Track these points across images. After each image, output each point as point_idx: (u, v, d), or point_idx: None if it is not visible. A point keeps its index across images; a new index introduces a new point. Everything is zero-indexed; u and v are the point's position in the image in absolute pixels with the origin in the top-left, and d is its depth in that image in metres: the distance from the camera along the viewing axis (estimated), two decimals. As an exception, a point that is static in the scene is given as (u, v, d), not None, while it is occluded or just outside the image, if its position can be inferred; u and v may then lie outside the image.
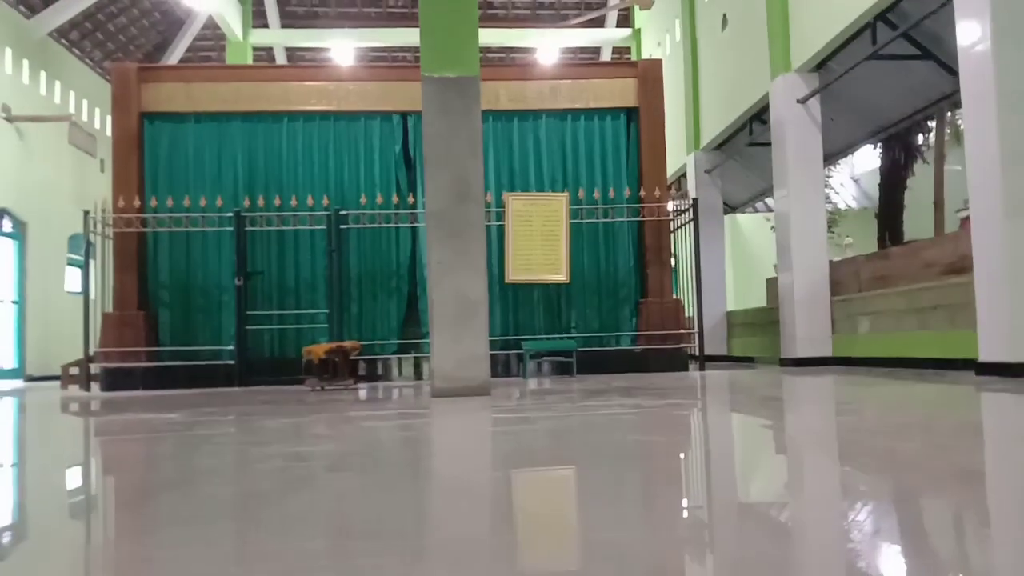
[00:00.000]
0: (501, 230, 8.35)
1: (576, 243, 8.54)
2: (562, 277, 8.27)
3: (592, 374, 8.02)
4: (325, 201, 8.36)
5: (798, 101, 8.85)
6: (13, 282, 13.68)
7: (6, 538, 1.77)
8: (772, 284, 10.56)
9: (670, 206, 9.24)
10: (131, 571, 1.39)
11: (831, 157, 11.53)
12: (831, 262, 9.07)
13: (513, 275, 8.28)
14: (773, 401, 4.69)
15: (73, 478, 2.74)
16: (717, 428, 3.63)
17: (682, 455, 2.79)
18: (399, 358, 8.56)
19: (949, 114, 11.96)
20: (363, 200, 8.39)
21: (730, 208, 14.97)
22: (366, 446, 3.11)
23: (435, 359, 5.23)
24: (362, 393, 6.49)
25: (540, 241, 8.34)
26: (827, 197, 12.36)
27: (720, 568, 1.31)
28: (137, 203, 8.22)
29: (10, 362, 13.43)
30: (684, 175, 13.20)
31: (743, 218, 17.67)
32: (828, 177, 14.47)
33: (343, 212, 8.34)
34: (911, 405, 4.26)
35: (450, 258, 5.25)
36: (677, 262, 9.63)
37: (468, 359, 5.20)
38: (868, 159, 16.49)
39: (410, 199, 8.52)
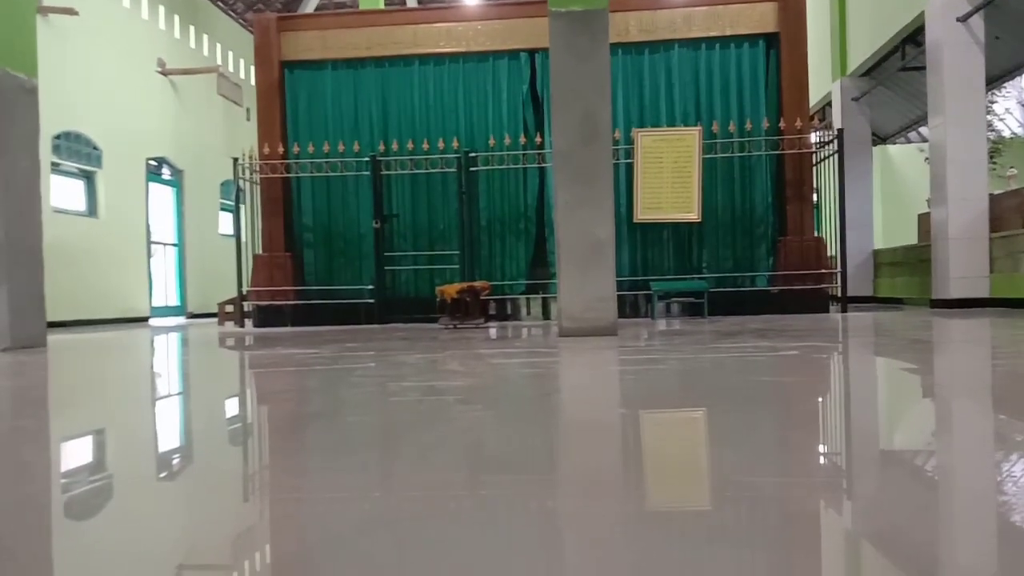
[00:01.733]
0: (630, 168, 8.19)
1: (710, 179, 8.25)
2: (694, 215, 8.05)
3: (725, 316, 7.83)
4: (455, 144, 8.47)
5: (958, 19, 8.06)
6: (173, 226, 14.82)
7: (176, 459, 1.96)
8: (924, 220, 9.85)
9: (812, 138, 8.73)
10: (283, 493, 1.51)
11: (996, 80, 10.50)
12: (992, 195, 8.34)
13: (642, 214, 8.13)
14: (920, 344, 4.43)
15: (232, 407, 2.99)
16: (858, 373, 3.47)
17: (820, 399, 2.70)
18: (527, 298, 8.66)
19: None
20: (491, 142, 8.44)
21: (879, 139, 14.00)
22: (496, 381, 3.19)
23: (562, 299, 5.26)
24: (492, 331, 6.65)
25: (671, 178, 8.12)
26: (990, 124, 11.32)
27: (854, 514, 1.27)
28: (281, 150, 8.64)
29: (173, 300, 14.65)
30: (828, 104, 12.42)
31: (894, 150, 16.47)
32: (991, 103, 13.21)
33: (472, 154, 8.43)
34: (1081, 351, 3.90)
35: (577, 198, 5.21)
36: (820, 198, 9.15)
37: (595, 300, 5.19)
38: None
39: (538, 139, 8.50)
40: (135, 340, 7.62)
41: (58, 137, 11.19)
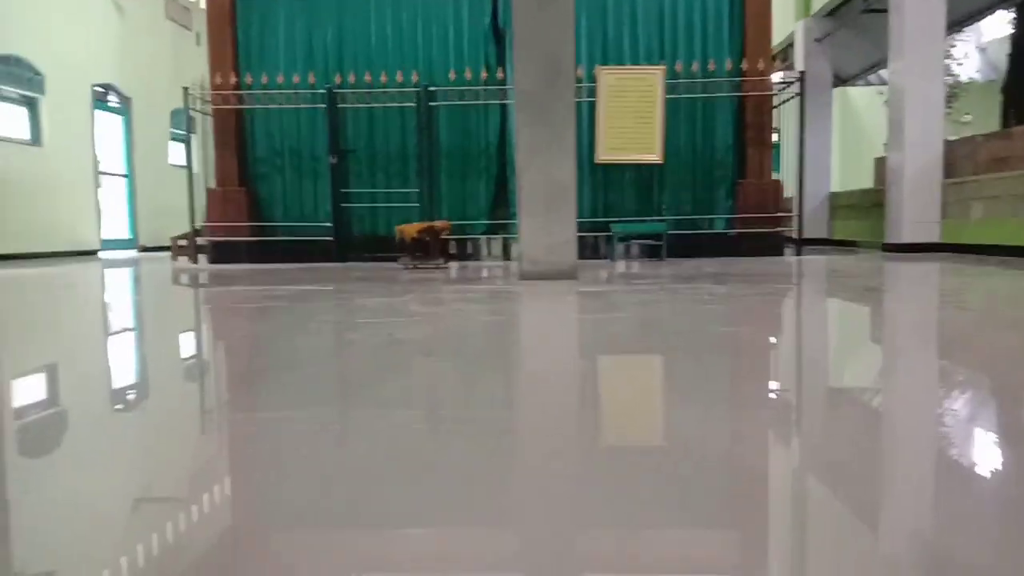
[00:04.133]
0: (591, 107, 8.09)
1: (671, 120, 8.21)
2: (656, 157, 8.03)
3: (683, 258, 7.90)
4: (415, 77, 8.27)
5: (923, -39, 8.03)
6: (122, 156, 14.32)
7: (131, 395, 1.94)
8: (880, 164, 9.99)
9: (775, 77, 8.70)
10: (239, 438, 1.50)
11: (956, 24, 10.53)
12: (946, 141, 8.46)
13: (604, 154, 8.09)
14: (870, 292, 4.53)
15: (186, 344, 2.94)
16: (809, 318, 3.55)
17: (772, 341, 2.76)
18: (488, 238, 8.61)
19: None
20: (452, 76, 8.25)
21: (841, 81, 14.03)
22: (454, 326, 3.19)
23: (523, 242, 5.25)
24: (452, 273, 6.63)
25: (633, 118, 8.06)
26: (947, 69, 11.41)
27: (802, 450, 1.31)
28: (233, 80, 8.34)
29: (124, 233, 14.27)
30: (791, 45, 12.37)
31: (855, 92, 16.52)
32: (951, 47, 13.28)
33: (431, 88, 8.25)
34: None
35: (539, 141, 5.15)
36: (779, 139, 9.18)
37: (556, 243, 5.19)
38: (999, 25, 14.97)
39: (499, 74, 8.33)
40: (83, 276, 7.44)
41: (-2, 60, 10.67)
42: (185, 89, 8.33)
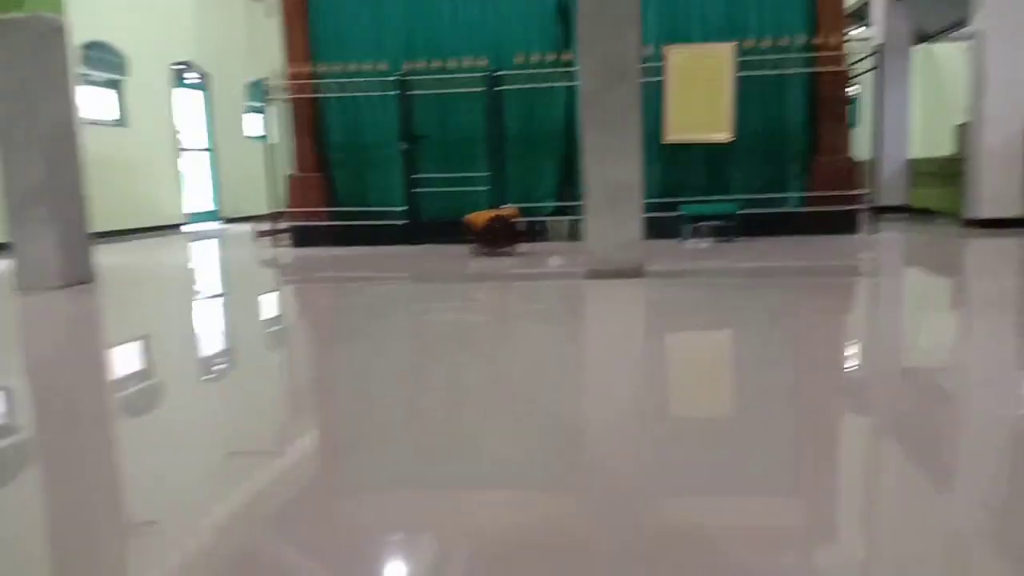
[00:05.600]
0: (659, 85, 8.03)
1: (742, 97, 8.08)
2: (726, 135, 7.94)
3: (755, 237, 7.85)
4: (482, 62, 8.34)
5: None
6: (205, 131, 14.87)
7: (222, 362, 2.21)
8: (962, 131, 9.61)
9: (851, 43, 8.39)
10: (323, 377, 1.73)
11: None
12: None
13: (672, 134, 8.04)
14: (951, 269, 4.51)
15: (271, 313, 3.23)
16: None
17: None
18: (556, 220, 8.70)
19: None
20: (519, 59, 8.29)
21: (924, 37, 13.38)
22: (520, 312, 3.37)
23: (590, 242, 5.37)
24: (520, 260, 6.82)
25: (703, 97, 7.97)
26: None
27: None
28: (308, 69, 8.58)
29: (207, 206, 14.89)
30: (867, 3, 11.85)
31: (939, 48, 15.71)
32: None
33: (498, 73, 8.32)
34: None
35: (604, 143, 5.22)
36: (855, 105, 8.92)
37: (622, 243, 5.30)
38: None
39: (566, 55, 8.32)
40: (181, 264, 7.92)
41: (86, 47, 11.16)
42: (262, 80, 8.62)
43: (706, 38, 8.21)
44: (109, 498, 1.97)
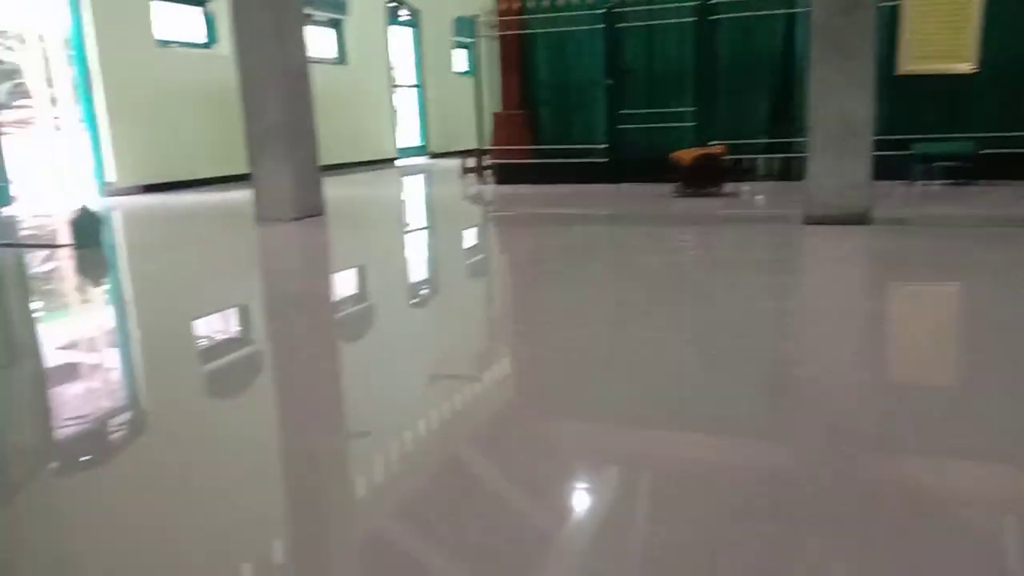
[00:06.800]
0: (892, 11, 7.25)
1: (988, 21, 7.12)
2: (969, 66, 7.07)
3: (996, 180, 7.03)
4: (695, -10, 7.95)
5: None
6: (413, 67, 15.45)
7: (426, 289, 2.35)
8: None
9: None
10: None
11: None
12: None
13: (908, 64, 7.27)
14: None
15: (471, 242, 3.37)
16: None
17: None
18: (767, 158, 8.24)
19: None
20: (735, -14, 7.82)
21: None
22: (734, 260, 3.25)
23: (811, 183, 5.04)
24: (726, 201, 6.56)
25: (943, 22, 7.12)
26: None
27: None
28: (516, 4, 8.61)
29: (416, 141, 15.57)
30: None
31: None
32: None
33: (712, 2, 7.89)
34: None
35: (834, 76, 4.82)
36: None
37: (847, 185, 4.92)
38: None
39: (786, -19, 7.73)
40: (395, 199, 8.40)
41: (309, -11, 11.87)
42: (475, 17, 8.77)
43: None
44: (328, 407, 2.32)
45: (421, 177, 11.41)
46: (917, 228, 5.07)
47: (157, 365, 2.82)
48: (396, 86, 14.63)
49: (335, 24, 12.92)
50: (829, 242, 4.54)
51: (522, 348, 2.79)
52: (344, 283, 4.27)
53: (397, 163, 14.12)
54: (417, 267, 4.80)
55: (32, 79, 13.19)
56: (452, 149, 15.41)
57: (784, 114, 8.08)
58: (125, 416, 2.30)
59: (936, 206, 6.07)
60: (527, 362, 2.62)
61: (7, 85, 10.23)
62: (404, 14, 15.02)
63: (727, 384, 2.25)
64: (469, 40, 14.92)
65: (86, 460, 1.97)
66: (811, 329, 2.91)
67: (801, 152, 5.63)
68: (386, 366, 2.61)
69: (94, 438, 2.10)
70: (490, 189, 8.71)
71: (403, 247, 5.50)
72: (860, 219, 4.91)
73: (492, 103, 9.10)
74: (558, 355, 2.59)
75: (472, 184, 9.23)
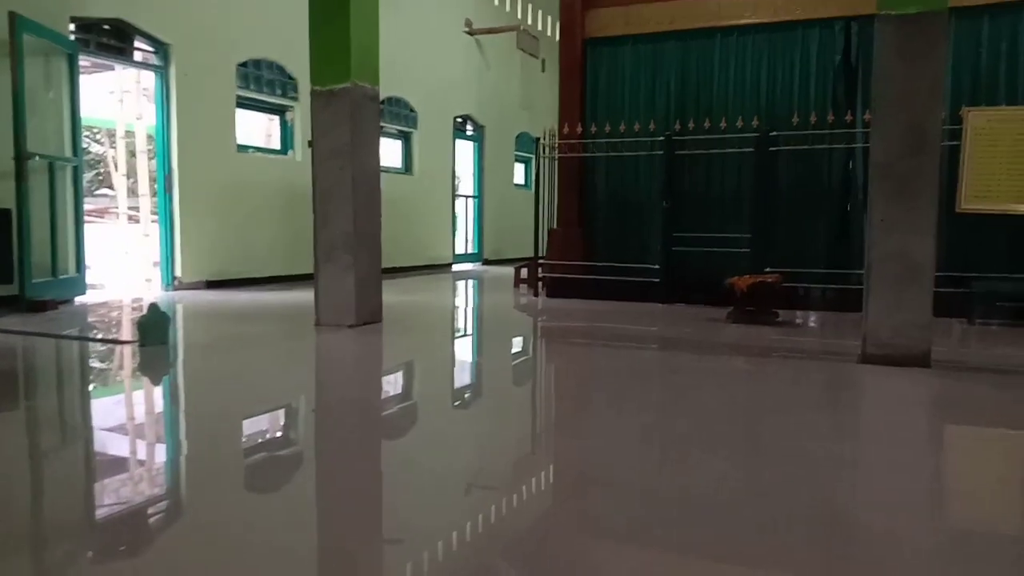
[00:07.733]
0: (952, 151, 7.33)
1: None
2: (1031, 208, 7.07)
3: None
4: (755, 122, 8.17)
5: None
6: (472, 179, 16.01)
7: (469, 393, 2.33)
8: None
9: None
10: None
11: None
12: None
13: (968, 203, 7.30)
14: None
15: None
16: None
17: None
18: (823, 288, 8.21)
19: None
20: (795, 119, 8.01)
21: None
22: (788, 396, 3.18)
23: (869, 322, 4.99)
24: (781, 331, 6.52)
25: (1007, 163, 7.18)
26: None
27: None
28: (579, 129, 8.95)
29: (471, 248, 15.94)
30: None
31: None
32: None
33: (772, 134, 8.09)
34: None
35: (895, 217, 4.85)
36: None
37: (906, 326, 4.86)
38: None
39: (848, 117, 7.90)
40: (449, 306, 8.55)
41: (386, 102, 12.51)
42: (536, 140, 9.14)
43: (1013, 101, 7.40)
44: (363, 507, 2.46)
45: (475, 283, 11.63)
46: (981, 373, 4.95)
47: (199, 464, 2.89)
48: (457, 195, 15.12)
49: (404, 136, 13.53)
50: (889, 384, 4.46)
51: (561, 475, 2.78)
52: (393, 393, 4.37)
53: (453, 268, 14.43)
54: (462, 380, 4.88)
55: (115, 171, 14.00)
56: (504, 256, 15.82)
57: (841, 244, 8.10)
58: (161, 505, 2.41)
59: (998, 347, 5.94)
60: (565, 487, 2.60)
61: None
62: (470, 129, 15.68)
63: (780, 533, 2.19)
64: (529, 155, 15.47)
65: (121, 549, 2.02)
66: (874, 477, 2.83)
67: (857, 284, 5.60)
68: (424, 474, 2.72)
69: (129, 526, 2.17)
70: (540, 301, 8.82)
71: (453, 360, 5.58)
72: (920, 361, 4.83)
73: (548, 216, 9.33)
74: (595, 488, 2.57)
75: (524, 295, 9.37)
